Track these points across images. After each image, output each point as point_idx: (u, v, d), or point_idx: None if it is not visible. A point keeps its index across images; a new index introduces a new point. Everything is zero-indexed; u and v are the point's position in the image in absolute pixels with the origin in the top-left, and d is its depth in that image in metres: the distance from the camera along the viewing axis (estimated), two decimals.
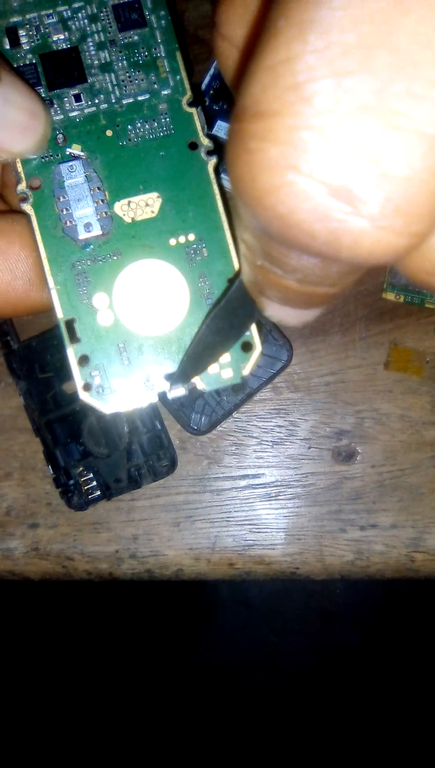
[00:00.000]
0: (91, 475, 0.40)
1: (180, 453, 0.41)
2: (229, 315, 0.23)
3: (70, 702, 1.13)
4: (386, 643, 1.12)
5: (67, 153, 0.24)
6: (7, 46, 0.25)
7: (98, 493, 0.40)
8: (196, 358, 0.24)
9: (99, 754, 1.11)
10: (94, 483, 0.40)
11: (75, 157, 0.25)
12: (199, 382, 0.25)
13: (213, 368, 0.25)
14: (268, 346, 0.40)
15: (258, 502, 0.41)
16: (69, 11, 0.25)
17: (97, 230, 0.24)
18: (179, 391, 0.25)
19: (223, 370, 0.25)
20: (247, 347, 0.25)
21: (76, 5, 0.25)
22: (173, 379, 0.25)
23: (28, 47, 0.25)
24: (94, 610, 1.12)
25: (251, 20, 0.16)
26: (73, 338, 0.24)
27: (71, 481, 0.40)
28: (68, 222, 0.24)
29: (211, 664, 1.14)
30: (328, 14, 0.11)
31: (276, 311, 0.19)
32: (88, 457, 0.40)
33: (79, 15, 0.25)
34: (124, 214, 0.25)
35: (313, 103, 0.11)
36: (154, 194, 0.25)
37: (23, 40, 0.25)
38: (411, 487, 0.40)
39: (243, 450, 0.41)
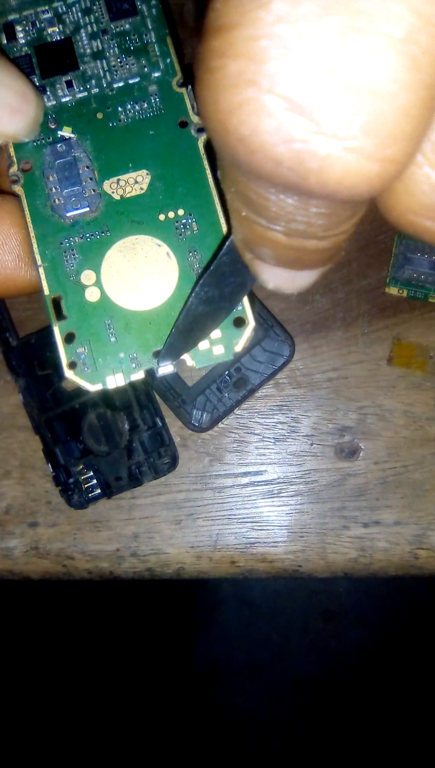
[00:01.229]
0: (91, 473, 0.40)
1: (181, 450, 0.41)
2: (220, 282, 0.22)
3: (71, 702, 1.13)
4: (390, 642, 1.11)
5: (58, 135, 0.25)
6: (4, 41, 0.26)
7: (98, 491, 0.40)
8: (185, 332, 0.23)
9: (100, 754, 1.11)
10: (95, 481, 0.40)
11: (65, 139, 0.25)
12: (189, 359, 0.24)
13: (203, 345, 0.24)
14: (270, 341, 0.40)
15: (260, 499, 0.41)
16: (63, 6, 0.26)
17: (85, 208, 0.25)
18: (168, 369, 0.24)
19: (214, 347, 0.24)
20: (240, 322, 0.24)
21: (70, 0, 0.25)
22: (161, 354, 0.24)
23: (24, 41, 0.26)
24: (95, 609, 1.12)
25: None
26: (60, 315, 0.24)
27: (71, 480, 0.40)
28: (57, 200, 0.25)
29: (213, 664, 1.13)
30: None
31: (269, 275, 0.18)
32: (88, 454, 0.40)
33: (74, 9, 0.26)
34: (113, 192, 0.25)
35: (271, 8, 0.10)
36: (144, 171, 0.25)
37: (20, 35, 0.26)
38: (414, 484, 0.40)
39: (245, 447, 0.41)
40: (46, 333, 0.40)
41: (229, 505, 0.41)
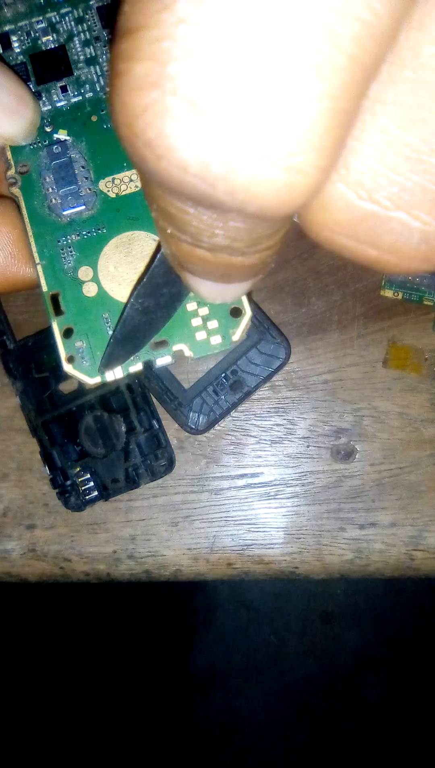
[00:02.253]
0: (89, 476, 0.40)
1: (178, 452, 0.41)
2: (155, 292, 0.22)
3: (69, 704, 1.12)
4: (387, 643, 1.11)
5: (54, 138, 0.26)
6: (0, 51, 0.26)
7: (96, 493, 0.40)
8: (124, 341, 0.24)
9: (98, 756, 1.11)
10: (92, 483, 0.40)
11: (61, 141, 0.26)
12: (187, 350, 0.25)
13: (201, 335, 0.25)
14: (266, 344, 0.40)
15: (257, 501, 0.41)
16: (57, 16, 0.26)
17: (81, 206, 0.25)
18: (166, 360, 0.25)
19: (211, 337, 0.25)
20: (237, 312, 0.25)
21: (63, 11, 0.26)
22: (100, 364, 0.24)
23: (19, 50, 0.26)
24: (92, 611, 1.12)
25: None
26: (58, 311, 0.25)
27: (68, 482, 0.40)
28: (53, 200, 0.25)
29: (211, 666, 1.13)
30: None
31: (200, 287, 0.18)
32: (85, 457, 0.40)
33: (67, 18, 0.26)
34: (108, 190, 0.26)
35: (174, 9, 0.10)
36: None
37: (15, 44, 0.26)
38: (410, 485, 0.40)
39: (241, 449, 0.41)
40: (44, 336, 0.40)
41: (226, 507, 0.41)
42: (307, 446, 0.41)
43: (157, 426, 0.40)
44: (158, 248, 0.24)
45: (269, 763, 1.11)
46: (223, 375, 0.40)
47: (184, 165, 0.11)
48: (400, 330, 0.41)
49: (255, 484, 0.41)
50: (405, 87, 0.11)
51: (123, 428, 0.40)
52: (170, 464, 0.40)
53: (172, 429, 0.41)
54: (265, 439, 0.41)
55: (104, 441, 0.39)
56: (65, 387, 0.40)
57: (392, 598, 1.11)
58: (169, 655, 1.13)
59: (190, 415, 0.40)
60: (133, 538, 0.41)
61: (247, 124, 0.10)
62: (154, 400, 0.40)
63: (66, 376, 0.40)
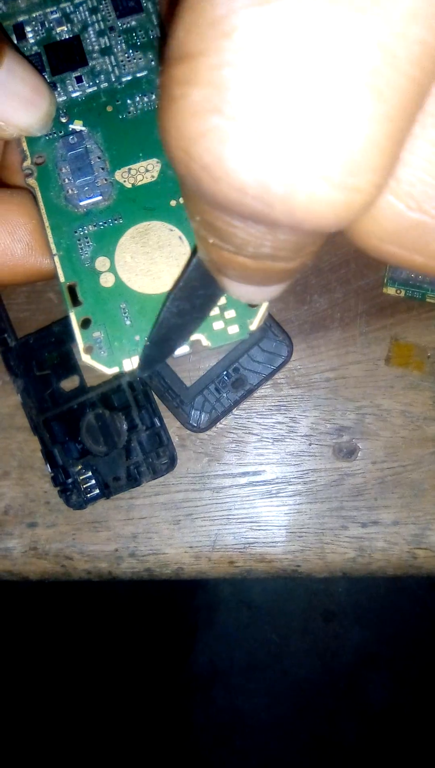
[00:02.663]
0: (90, 474, 0.40)
1: (179, 450, 0.41)
2: (190, 296, 0.22)
3: (70, 702, 1.12)
4: (389, 642, 1.11)
5: (70, 129, 0.26)
6: (15, 41, 0.26)
7: (97, 491, 0.40)
8: (159, 343, 0.24)
9: (100, 754, 1.11)
10: (93, 481, 0.40)
11: (76, 132, 0.26)
12: (205, 340, 0.25)
13: (218, 325, 0.25)
14: (268, 342, 0.40)
15: (258, 499, 0.41)
16: (71, 6, 0.26)
17: (98, 196, 0.25)
18: (184, 350, 0.25)
19: (229, 327, 0.25)
20: None
21: (77, 0, 0.26)
22: (139, 367, 0.25)
23: (33, 41, 0.26)
24: (94, 609, 1.12)
25: None
26: (75, 302, 0.25)
27: (70, 480, 0.40)
28: (70, 191, 0.25)
29: (212, 664, 1.13)
30: None
31: (237, 290, 0.18)
32: (86, 455, 0.40)
33: (81, 8, 0.26)
34: (124, 180, 0.26)
35: (233, 37, 0.10)
36: (154, 160, 0.25)
37: (29, 35, 0.26)
38: (413, 484, 0.40)
39: (243, 447, 0.41)
40: (45, 333, 0.40)
41: (228, 506, 0.41)
42: (309, 444, 0.41)
43: (158, 424, 0.40)
44: (194, 251, 0.24)
45: (271, 762, 1.11)
46: (224, 373, 0.40)
47: (244, 188, 0.11)
48: (402, 327, 0.40)
49: (257, 482, 0.41)
50: None
51: (124, 426, 0.40)
52: (172, 462, 0.40)
53: (173, 427, 0.41)
54: (267, 437, 0.41)
55: (106, 439, 0.39)
56: (66, 385, 0.40)
57: (394, 596, 1.11)
58: (170, 653, 1.13)
59: (192, 412, 0.40)
60: (134, 536, 0.41)
61: (308, 148, 0.11)
62: (155, 397, 0.40)
63: (67, 374, 0.40)
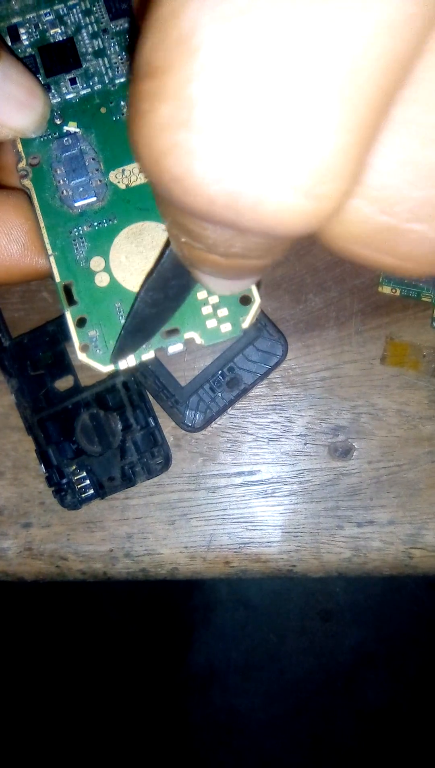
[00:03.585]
0: (85, 474, 0.40)
1: (174, 450, 0.41)
2: (164, 286, 0.23)
3: (66, 703, 1.12)
4: (386, 641, 1.11)
5: (64, 130, 0.26)
6: (9, 43, 0.27)
7: (92, 491, 0.40)
8: (133, 333, 0.24)
9: (97, 755, 1.11)
10: (88, 481, 0.40)
11: (71, 133, 0.26)
12: (198, 338, 0.25)
13: (211, 323, 0.25)
14: (263, 341, 0.40)
15: (254, 499, 0.41)
16: (65, 8, 0.27)
17: (92, 197, 0.26)
18: (177, 348, 0.25)
19: (221, 325, 0.25)
20: (246, 300, 0.25)
21: (71, 3, 0.27)
22: (112, 355, 0.25)
23: (27, 42, 0.27)
24: (90, 610, 1.12)
25: None
26: (71, 301, 0.25)
27: (64, 480, 0.40)
28: (65, 192, 0.26)
29: (210, 664, 1.13)
30: None
31: (210, 282, 0.18)
32: (81, 455, 0.39)
33: (74, 11, 0.27)
34: (118, 182, 0.26)
35: (199, 53, 0.10)
36: None
37: (23, 36, 0.27)
38: (408, 483, 0.40)
39: (238, 447, 0.41)
40: (39, 333, 0.40)
41: (223, 505, 0.41)
42: (305, 444, 0.40)
43: (153, 424, 0.40)
44: (167, 243, 0.24)
45: (268, 761, 1.11)
46: (219, 372, 0.40)
47: (213, 199, 0.11)
48: (398, 327, 0.40)
49: (252, 482, 0.41)
50: (422, 107, 0.12)
51: (119, 426, 0.39)
52: (166, 462, 0.40)
53: (168, 427, 0.40)
54: (262, 437, 0.41)
55: (100, 439, 0.39)
56: (61, 384, 0.40)
57: (391, 595, 1.11)
58: (167, 653, 1.13)
59: (187, 412, 0.40)
60: (129, 536, 0.41)
61: (276, 160, 0.11)
62: (150, 397, 0.40)
63: (62, 374, 0.40)
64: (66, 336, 0.40)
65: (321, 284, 0.41)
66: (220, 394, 0.40)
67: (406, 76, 0.11)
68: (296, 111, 0.10)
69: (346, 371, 0.40)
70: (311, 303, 0.41)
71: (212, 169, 0.11)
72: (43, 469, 0.40)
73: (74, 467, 0.40)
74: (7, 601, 1.11)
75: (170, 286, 0.23)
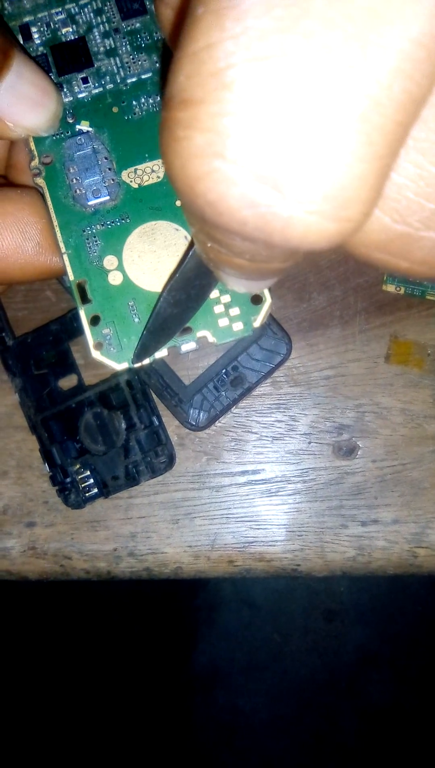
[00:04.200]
0: (88, 473, 0.40)
1: (178, 449, 0.40)
2: (186, 286, 0.23)
3: (70, 702, 1.12)
4: (391, 641, 1.11)
5: (77, 129, 0.26)
6: (21, 42, 0.27)
7: (95, 490, 0.40)
8: (155, 332, 0.25)
9: (100, 754, 1.11)
10: (92, 480, 0.40)
11: (83, 132, 0.26)
12: (210, 336, 0.26)
13: (223, 321, 0.26)
14: (267, 339, 0.40)
15: (258, 498, 0.40)
16: (76, 7, 0.27)
17: (105, 196, 0.26)
18: (190, 346, 0.26)
19: (233, 324, 0.26)
20: (257, 300, 0.26)
21: (82, 2, 0.27)
22: (135, 354, 0.25)
23: (39, 41, 0.27)
24: (93, 609, 1.12)
25: None
26: (85, 299, 0.26)
27: (68, 479, 0.40)
28: (78, 190, 0.26)
29: (213, 664, 1.13)
30: (243, 0, 0.11)
31: (233, 283, 0.19)
32: (84, 454, 0.39)
33: (86, 9, 0.27)
34: (131, 181, 0.26)
35: (233, 89, 0.11)
36: (159, 161, 0.26)
37: (35, 35, 0.27)
38: (413, 482, 0.40)
39: (242, 446, 0.41)
40: (43, 332, 0.40)
41: (227, 504, 0.40)
42: (309, 443, 0.40)
43: (157, 423, 0.40)
44: (191, 244, 0.24)
45: (272, 761, 1.11)
46: (223, 371, 0.40)
47: (245, 221, 0.12)
48: (402, 325, 0.40)
49: (256, 481, 0.41)
50: (433, 128, 0.13)
51: (123, 425, 0.39)
52: (170, 461, 0.40)
53: (172, 426, 0.40)
54: (266, 436, 0.41)
55: (104, 438, 0.39)
56: (64, 383, 0.40)
57: (395, 595, 1.10)
58: (171, 653, 1.13)
59: (191, 411, 0.40)
60: (133, 535, 0.41)
61: (304, 190, 0.12)
62: (154, 396, 0.40)
63: (65, 373, 0.40)
64: (69, 335, 0.40)
65: (325, 283, 0.41)
66: (223, 393, 0.40)
67: (420, 109, 0.12)
68: (323, 144, 0.11)
69: (350, 370, 0.40)
70: (315, 302, 0.41)
71: (245, 196, 0.12)
72: (47, 468, 0.40)
73: (78, 466, 0.40)
74: (11, 601, 1.11)
75: (193, 286, 0.23)
